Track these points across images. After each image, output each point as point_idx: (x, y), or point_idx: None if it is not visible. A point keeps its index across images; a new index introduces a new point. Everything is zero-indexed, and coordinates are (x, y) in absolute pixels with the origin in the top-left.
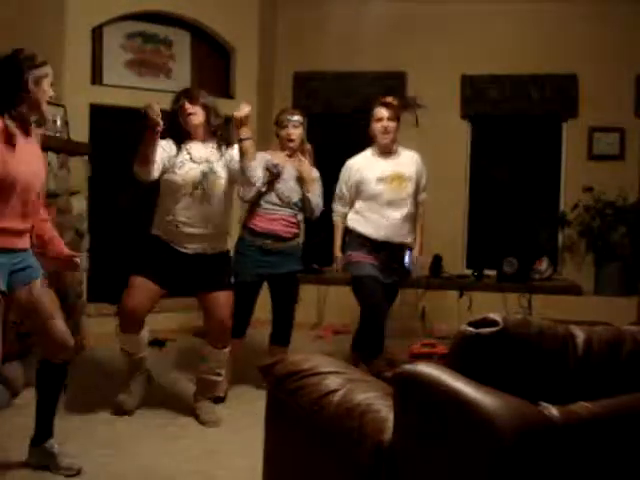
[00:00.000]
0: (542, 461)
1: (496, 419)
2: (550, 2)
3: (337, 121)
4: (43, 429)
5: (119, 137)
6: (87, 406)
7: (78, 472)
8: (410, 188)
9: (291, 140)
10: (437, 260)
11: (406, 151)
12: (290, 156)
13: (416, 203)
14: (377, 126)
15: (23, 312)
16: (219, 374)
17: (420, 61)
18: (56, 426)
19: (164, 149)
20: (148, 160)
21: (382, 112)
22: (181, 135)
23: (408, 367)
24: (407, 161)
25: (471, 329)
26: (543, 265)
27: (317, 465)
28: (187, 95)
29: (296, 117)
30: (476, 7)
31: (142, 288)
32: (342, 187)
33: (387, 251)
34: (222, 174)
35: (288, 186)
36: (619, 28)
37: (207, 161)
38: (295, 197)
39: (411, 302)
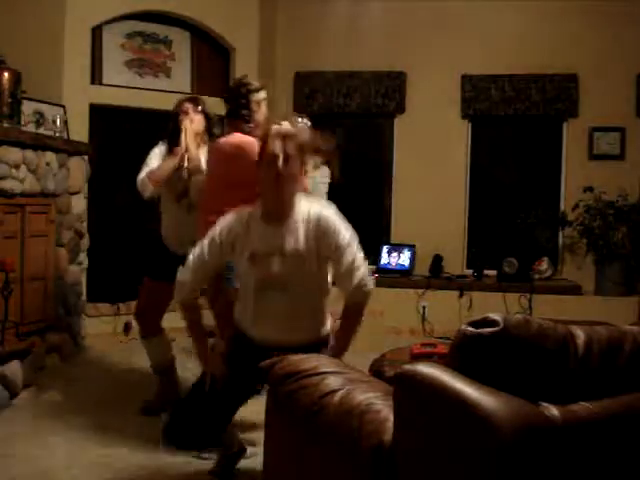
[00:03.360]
0: (542, 461)
1: (496, 419)
2: (550, 1)
3: (337, 121)
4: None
5: (119, 137)
6: (84, 405)
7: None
8: None
9: None
10: (437, 260)
11: None
12: None
13: None
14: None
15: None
16: None
17: (420, 61)
18: (55, 425)
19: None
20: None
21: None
22: (175, 140)
23: (408, 367)
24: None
25: (472, 329)
26: (543, 265)
27: (317, 465)
28: (192, 101)
29: None
30: (476, 7)
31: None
32: None
33: None
34: None
35: None
36: (619, 28)
37: None
38: None
39: (411, 302)
